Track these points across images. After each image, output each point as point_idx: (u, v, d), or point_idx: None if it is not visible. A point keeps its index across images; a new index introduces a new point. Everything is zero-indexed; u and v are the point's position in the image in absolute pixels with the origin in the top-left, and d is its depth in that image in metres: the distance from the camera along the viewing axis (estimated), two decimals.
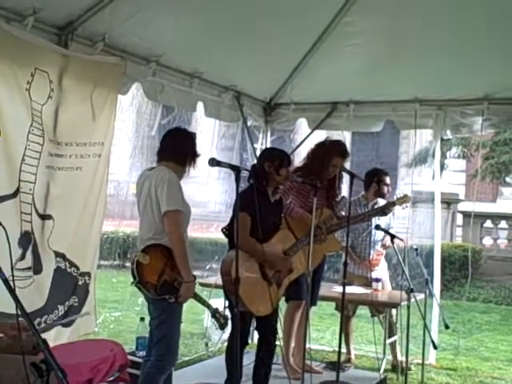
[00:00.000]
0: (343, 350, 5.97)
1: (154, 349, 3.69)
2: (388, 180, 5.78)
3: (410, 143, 17.73)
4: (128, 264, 9.77)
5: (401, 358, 5.74)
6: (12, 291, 2.34)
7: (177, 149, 3.80)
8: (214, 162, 3.46)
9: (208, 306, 3.90)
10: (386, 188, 5.65)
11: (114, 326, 5.44)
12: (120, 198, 7.31)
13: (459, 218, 13.46)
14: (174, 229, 3.59)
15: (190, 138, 3.89)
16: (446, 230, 12.63)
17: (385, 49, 5.53)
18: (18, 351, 2.48)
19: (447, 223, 12.98)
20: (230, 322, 4.21)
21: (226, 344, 4.89)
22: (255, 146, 6.72)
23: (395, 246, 5.44)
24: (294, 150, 6.80)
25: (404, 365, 5.56)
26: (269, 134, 6.89)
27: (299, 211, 4.61)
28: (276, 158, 4.27)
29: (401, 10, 4.98)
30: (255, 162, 6.69)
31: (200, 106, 5.74)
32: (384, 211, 5.12)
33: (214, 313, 3.95)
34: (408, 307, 4.90)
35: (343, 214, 4.71)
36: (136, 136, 7.15)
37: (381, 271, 5.86)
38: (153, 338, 3.73)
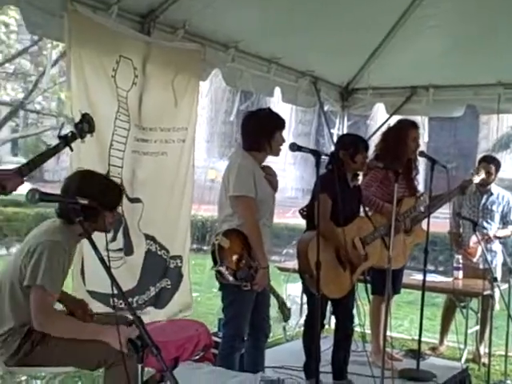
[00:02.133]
0: (434, 340, 5.91)
1: (223, 330, 3.79)
2: (491, 168, 5.53)
3: (490, 128, 17.22)
4: (206, 247, 10.09)
5: (484, 349, 5.63)
6: (108, 270, 2.41)
7: (249, 135, 3.79)
8: (294, 147, 3.47)
9: (277, 297, 3.93)
10: (483, 174, 5.28)
11: (193, 307, 5.57)
12: (199, 182, 7.43)
13: None
14: (244, 214, 3.63)
15: (260, 120, 3.79)
16: None
17: (466, 31, 5.35)
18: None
19: None
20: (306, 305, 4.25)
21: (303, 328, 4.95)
22: (332, 131, 6.69)
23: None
24: (371, 136, 6.72)
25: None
26: (345, 119, 6.83)
27: (390, 207, 4.50)
28: (350, 144, 4.23)
29: None
30: (332, 147, 6.74)
31: (277, 91, 5.76)
32: (462, 190, 4.96)
33: (281, 305, 3.97)
34: (491, 296, 4.77)
35: (422, 210, 4.62)
36: (214, 122, 7.24)
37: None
38: None
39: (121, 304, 4.37)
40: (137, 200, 4.43)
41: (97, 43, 3.97)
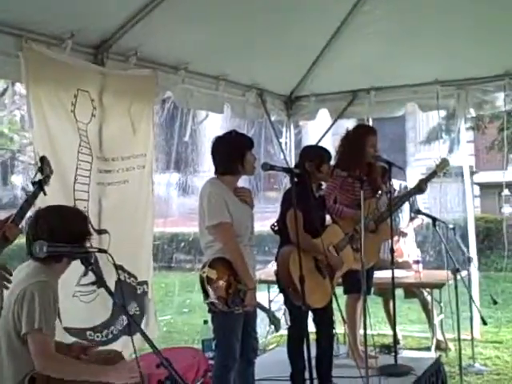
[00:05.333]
0: (388, 332, 6.10)
1: (216, 351, 3.83)
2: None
3: (416, 118, 17.74)
4: (172, 265, 10.11)
5: (441, 336, 5.89)
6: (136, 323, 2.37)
7: (221, 160, 3.83)
8: (267, 166, 3.57)
9: (266, 310, 4.00)
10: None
11: (167, 330, 5.50)
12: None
13: (476, 190, 13.53)
14: (225, 241, 3.69)
15: (230, 144, 3.83)
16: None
17: (403, 34, 5.56)
18: None
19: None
20: (287, 316, 4.35)
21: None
22: (280, 140, 6.82)
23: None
24: (318, 142, 6.88)
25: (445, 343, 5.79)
26: (292, 127, 6.98)
27: (349, 212, 4.66)
28: (315, 156, 4.35)
29: None
30: (281, 156, 6.87)
31: (227, 107, 5.84)
32: (421, 187, 4.92)
33: (272, 317, 4.07)
34: (456, 287, 4.99)
35: (384, 209, 4.78)
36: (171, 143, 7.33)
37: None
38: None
39: (97, 337, 4.37)
40: (104, 231, 4.41)
41: (54, 79, 3.94)
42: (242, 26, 5.07)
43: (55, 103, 3.98)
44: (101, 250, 2.59)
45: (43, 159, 3.14)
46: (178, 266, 10.22)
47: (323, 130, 7.03)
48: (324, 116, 7.02)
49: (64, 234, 2.85)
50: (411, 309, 7.37)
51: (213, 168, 3.90)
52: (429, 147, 16.10)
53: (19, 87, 4.72)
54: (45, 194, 3.09)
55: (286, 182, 6.49)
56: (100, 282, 2.41)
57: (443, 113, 10.29)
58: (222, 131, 4.10)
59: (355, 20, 5.54)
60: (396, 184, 5.56)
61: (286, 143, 6.91)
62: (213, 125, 7.68)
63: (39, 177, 3.07)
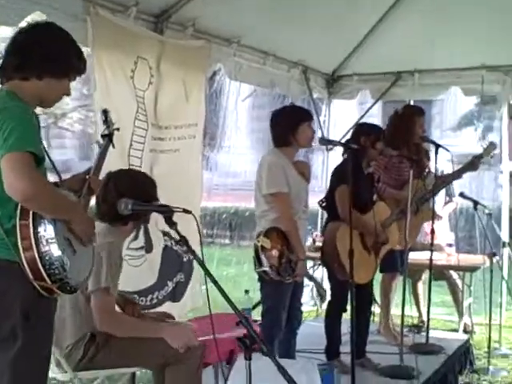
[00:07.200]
0: (413, 313, 6.19)
1: (263, 319, 3.94)
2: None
3: (443, 104, 17.61)
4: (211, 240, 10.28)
5: (468, 319, 5.98)
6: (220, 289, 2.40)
7: (275, 132, 3.94)
8: (324, 141, 3.66)
9: (315, 281, 4.10)
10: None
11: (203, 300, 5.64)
12: None
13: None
14: (280, 210, 3.78)
15: (284, 116, 3.96)
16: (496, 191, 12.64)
17: (450, 16, 5.58)
18: None
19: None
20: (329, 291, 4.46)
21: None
22: (320, 118, 6.87)
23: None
24: (358, 121, 6.92)
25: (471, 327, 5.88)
26: (332, 106, 7.02)
27: (391, 192, 4.72)
28: (372, 132, 4.37)
29: None
30: (320, 134, 6.92)
31: (274, 82, 5.90)
32: (474, 164, 4.85)
33: (319, 287, 4.17)
34: (491, 271, 5.08)
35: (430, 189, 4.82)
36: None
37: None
38: None
39: (141, 301, 4.49)
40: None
41: (117, 45, 4.02)
42: (293, 3, 5.11)
43: (116, 69, 4.06)
44: (185, 211, 2.58)
45: (106, 112, 3.04)
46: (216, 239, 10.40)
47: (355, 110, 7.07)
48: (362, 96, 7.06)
49: (132, 196, 2.92)
50: (436, 291, 7.42)
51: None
52: (454, 134, 16.07)
53: None
54: (113, 146, 3.03)
55: (311, 157, 6.57)
56: (183, 241, 2.45)
57: (475, 99, 10.25)
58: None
59: (402, 1, 5.57)
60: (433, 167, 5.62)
61: (324, 121, 6.97)
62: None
63: (107, 130, 3.00)
